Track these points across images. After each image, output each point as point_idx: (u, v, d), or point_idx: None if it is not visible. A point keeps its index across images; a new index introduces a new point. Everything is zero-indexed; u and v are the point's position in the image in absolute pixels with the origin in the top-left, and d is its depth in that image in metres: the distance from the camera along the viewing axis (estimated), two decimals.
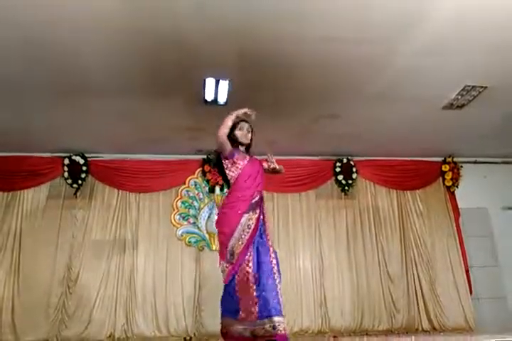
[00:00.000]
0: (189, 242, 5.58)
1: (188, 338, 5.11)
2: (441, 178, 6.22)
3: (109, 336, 5.05)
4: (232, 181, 3.10)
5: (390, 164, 6.17)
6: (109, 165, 5.70)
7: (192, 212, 5.73)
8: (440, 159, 6.26)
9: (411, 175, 6.16)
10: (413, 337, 4.79)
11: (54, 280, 5.20)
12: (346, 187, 6.00)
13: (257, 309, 2.76)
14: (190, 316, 5.24)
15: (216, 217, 3.29)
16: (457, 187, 6.18)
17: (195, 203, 5.78)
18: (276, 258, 2.97)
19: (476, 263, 5.96)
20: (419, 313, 5.55)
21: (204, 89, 4.15)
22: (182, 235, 5.60)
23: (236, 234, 2.91)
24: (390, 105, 4.64)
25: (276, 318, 2.73)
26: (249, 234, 2.92)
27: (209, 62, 3.73)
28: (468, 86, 4.23)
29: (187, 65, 3.74)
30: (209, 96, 4.29)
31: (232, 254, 2.90)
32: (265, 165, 3.20)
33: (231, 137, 3.11)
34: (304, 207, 5.91)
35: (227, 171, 3.12)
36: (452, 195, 6.19)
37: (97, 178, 5.68)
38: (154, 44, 3.43)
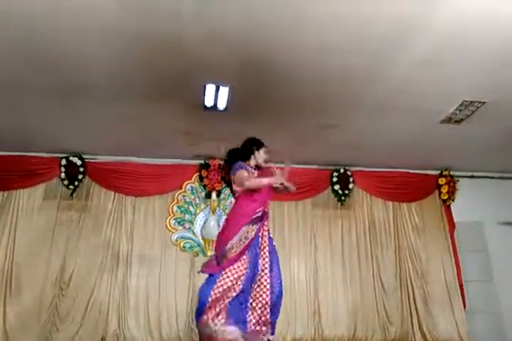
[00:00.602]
0: (184, 247, 5.57)
1: None
2: (437, 191, 6.24)
3: (101, 340, 5.00)
4: (236, 195, 3.16)
5: (387, 175, 6.19)
6: (106, 167, 5.70)
7: (188, 217, 5.73)
8: (437, 172, 6.28)
9: (407, 187, 6.17)
10: None
11: (47, 282, 5.17)
12: (343, 197, 6.01)
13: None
14: (182, 321, 5.21)
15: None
16: (453, 200, 6.19)
17: (191, 208, 5.77)
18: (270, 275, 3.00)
19: (470, 278, 5.94)
20: (413, 326, 5.54)
21: (204, 94, 4.18)
22: (177, 240, 5.59)
23: (233, 241, 2.94)
24: (388, 117, 4.67)
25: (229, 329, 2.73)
26: (244, 244, 2.93)
27: (210, 68, 3.76)
28: (467, 101, 4.26)
29: (187, 70, 3.77)
30: (209, 102, 4.31)
31: (223, 257, 2.93)
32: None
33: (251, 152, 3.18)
34: (300, 216, 5.92)
35: (234, 186, 3.16)
36: (448, 208, 6.20)
37: (94, 180, 5.68)
38: (155, 49, 3.46)
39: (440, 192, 6.20)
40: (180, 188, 5.80)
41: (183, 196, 5.79)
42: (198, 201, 5.80)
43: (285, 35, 3.28)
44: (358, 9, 2.98)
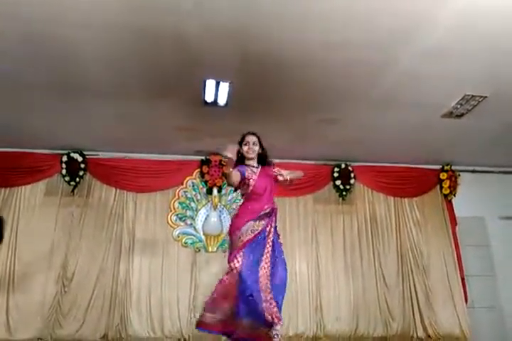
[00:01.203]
0: (185, 243, 5.57)
1: (182, 339, 5.09)
2: (438, 186, 6.22)
3: (103, 336, 5.01)
4: (242, 193, 3.17)
5: (388, 170, 6.18)
6: (107, 163, 5.69)
7: (189, 213, 5.73)
8: (438, 167, 6.26)
9: (408, 182, 6.16)
10: None
11: (49, 279, 5.18)
12: (344, 193, 6.01)
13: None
14: (185, 317, 5.21)
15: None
16: (454, 195, 6.18)
17: (193, 204, 5.77)
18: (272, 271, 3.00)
19: (472, 273, 5.94)
20: (414, 321, 5.53)
21: (204, 90, 4.17)
22: (178, 236, 5.59)
23: (239, 235, 2.96)
24: (390, 111, 4.66)
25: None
26: (248, 236, 2.94)
27: (210, 64, 3.76)
28: (468, 95, 4.24)
29: (187, 65, 3.76)
30: (209, 97, 4.30)
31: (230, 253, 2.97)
32: (280, 178, 3.14)
33: (240, 152, 3.12)
34: (302, 212, 5.91)
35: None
36: (449, 203, 6.19)
37: (95, 176, 5.67)
38: (155, 45, 3.45)
39: (442, 187, 6.18)
40: (182, 184, 5.79)
41: (185, 192, 5.79)
42: (199, 197, 5.80)
43: (287, 29, 3.26)
44: (362, 4, 2.97)
